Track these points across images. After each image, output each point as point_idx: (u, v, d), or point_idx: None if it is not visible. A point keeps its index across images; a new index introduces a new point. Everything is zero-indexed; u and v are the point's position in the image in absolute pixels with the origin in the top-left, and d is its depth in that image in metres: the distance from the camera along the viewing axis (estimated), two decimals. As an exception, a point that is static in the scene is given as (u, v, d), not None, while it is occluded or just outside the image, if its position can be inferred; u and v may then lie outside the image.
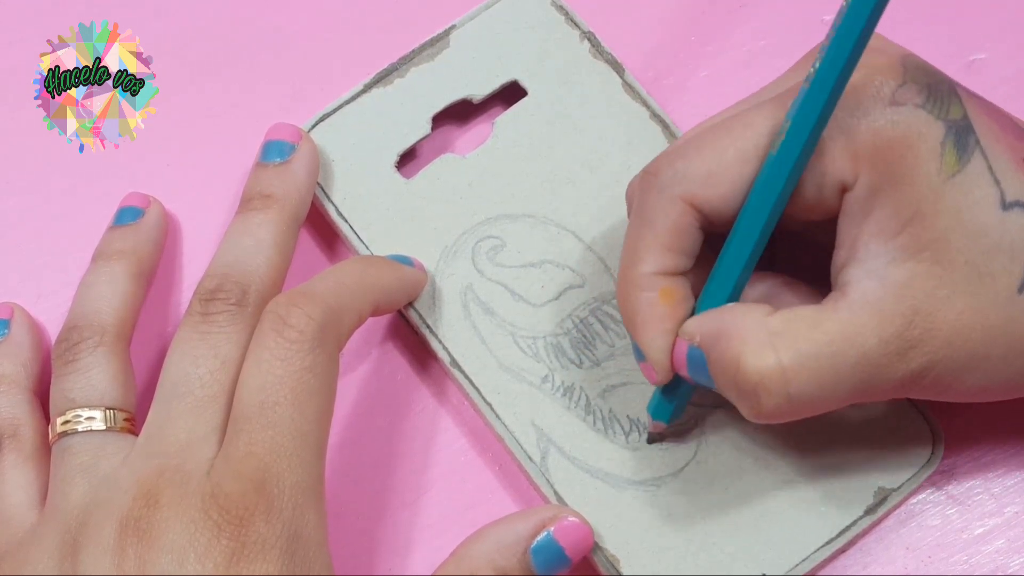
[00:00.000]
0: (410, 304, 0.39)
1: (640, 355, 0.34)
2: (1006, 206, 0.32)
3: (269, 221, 0.38)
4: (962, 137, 0.32)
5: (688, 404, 0.37)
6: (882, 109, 0.32)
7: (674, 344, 0.34)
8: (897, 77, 0.32)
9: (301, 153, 0.40)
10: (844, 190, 0.33)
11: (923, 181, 0.32)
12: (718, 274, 0.34)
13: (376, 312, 0.37)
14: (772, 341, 0.32)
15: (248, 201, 0.39)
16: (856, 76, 0.32)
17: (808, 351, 0.31)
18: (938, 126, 0.32)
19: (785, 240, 0.35)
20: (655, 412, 0.36)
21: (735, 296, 0.34)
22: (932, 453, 0.36)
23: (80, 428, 0.35)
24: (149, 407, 0.35)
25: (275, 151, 0.40)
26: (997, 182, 0.32)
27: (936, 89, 0.33)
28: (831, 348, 0.31)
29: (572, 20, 0.42)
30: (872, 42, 0.31)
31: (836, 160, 0.32)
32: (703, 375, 0.33)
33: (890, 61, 0.33)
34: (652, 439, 0.37)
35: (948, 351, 0.32)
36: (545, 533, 0.35)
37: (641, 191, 0.34)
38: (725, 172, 0.33)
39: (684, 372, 0.34)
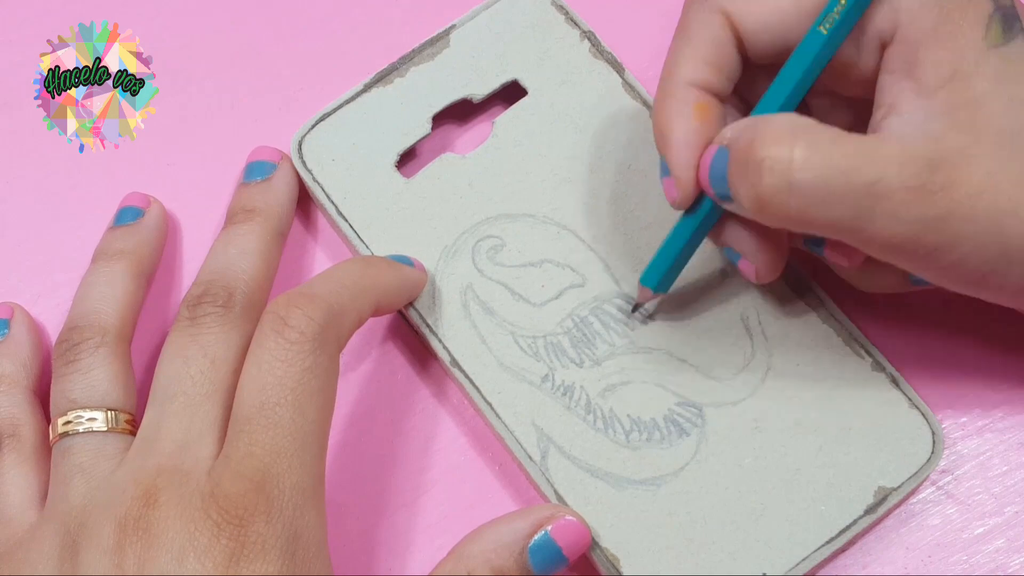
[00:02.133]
0: (410, 304, 0.39)
1: (665, 170, 0.35)
2: None
3: (251, 231, 0.39)
4: (1009, 18, 0.32)
5: (688, 407, 0.37)
6: None
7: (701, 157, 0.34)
8: None
9: (281, 172, 0.40)
10: (883, 46, 0.33)
11: (968, 43, 0.32)
12: (768, 97, 0.34)
13: (376, 312, 0.37)
14: (793, 132, 0.32)
15: (232, 216, 0.39)
16: None
17: (825, 150, 0.31)
18: (987, 2, 0.32)
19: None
20: (646, 276, 0.36)
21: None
22: (932, 452, 0.36)
23: (81, 429, 0.35)
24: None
25: (257, 171, 0.40)
26: None
27: None
28: (848, 160, 0.31)
29: (572, 19, 0.42)
30: None
31: (877, 14, 0.33)
32: (720, 177, 0.33)
33: None
34: (635, 307, 0.38)
35: (968, 207, 0.31)
36: (542, 532, 0.35)
37: (686, 5, 0.35)
38: None
39: (706, 180, 0.34)
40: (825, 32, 0.33)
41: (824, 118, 0.33)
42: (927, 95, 0.32)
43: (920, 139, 0.31)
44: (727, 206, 0.34)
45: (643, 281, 0.37)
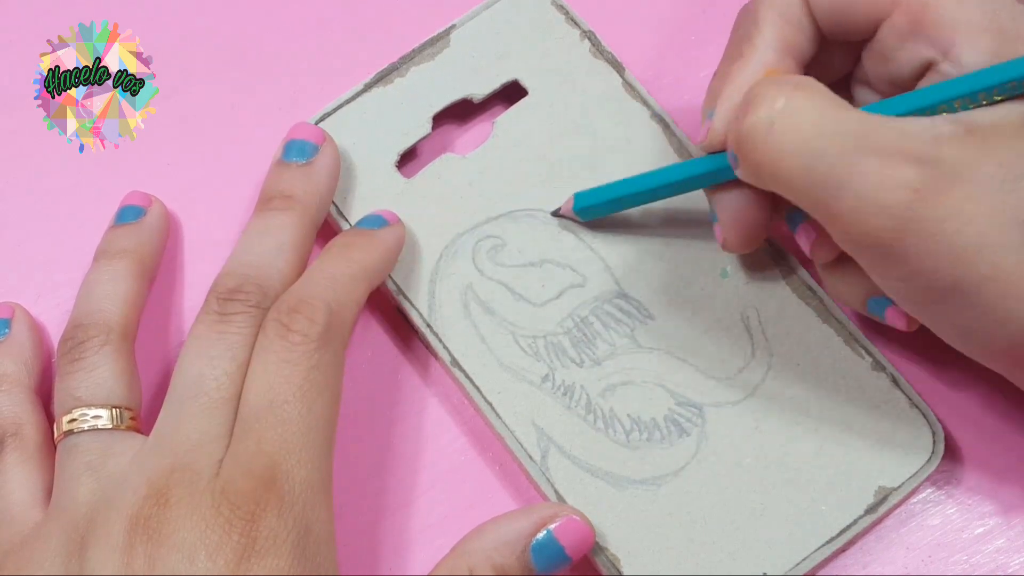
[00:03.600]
0: (411, 304, 0.39)
1: (711, 115, 0.35)
2: None
3: (291, 224, 0.38)
4: None
5: (689, 407, 0.37)
6: None
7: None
8: None
9: (324, 155, 0.39)
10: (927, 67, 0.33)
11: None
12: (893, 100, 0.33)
13: (370, 290, 0.37)
14: (799, 83, 0.32)
15: (269, 200, 0.38)
16: None
17: (820, 106, 0.31)
18: None
19: None
20: (580, 195, 0.38)
21: None
22: (932, 452, 0.36)
23: (86, 426, 0.35)
24: (152, 404, 0.35)
25: (297, 151, 0.39)
26: None
27: None
28: (838, 124, 0.31)
29: (572, 19, 0.42)
30: None
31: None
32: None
33: None
34: (554, 213, 0.39)
35: (934, 220, 0.30)
36: (545, 531, 0.35)
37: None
38: None
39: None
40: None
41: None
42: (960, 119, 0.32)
43: (923, 134, 0.31)
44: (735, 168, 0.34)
45: (576, 200, 0.38)
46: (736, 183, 0.35)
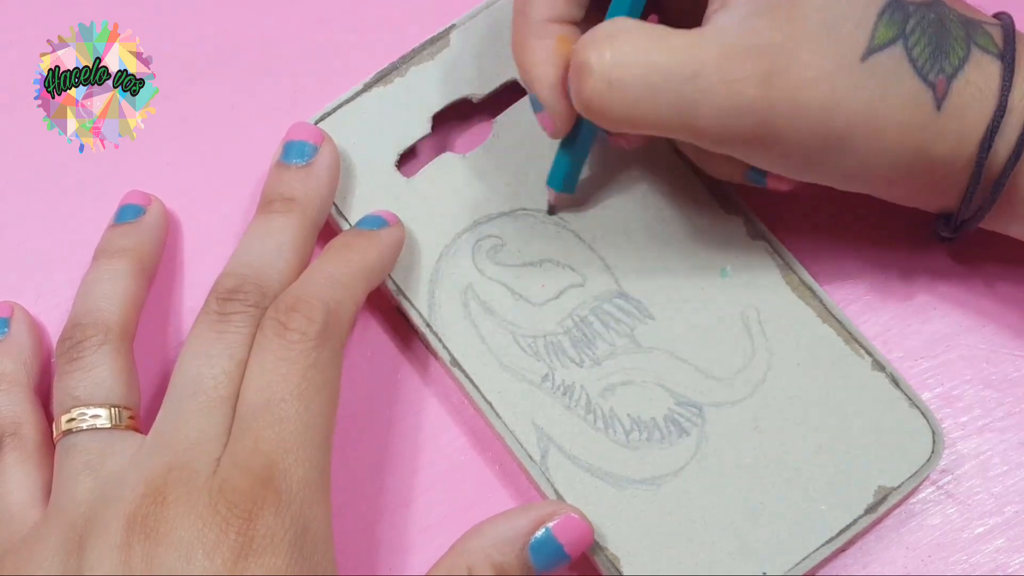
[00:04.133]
0: (411, 304, 0.39)
1: (537, 106, 0.36)
2: None
3: (291, 225, 0.38)
4: None
5: (689, 407, 0.37)
6: None
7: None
8: None
9: (324, 156, 0.39)
10: None
11: None
12: (612, 7, 0.35)
13: (369, 290, 0.37)
14: (613, 35, 0.33)
15: (269, 203, 0.38)
16: None
17: (643, 48, 0.33)
18: None
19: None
20: (550, 179, 0.38)
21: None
22: (932, 452, 0.36)
23: (85, 426, 0.35)
24: (151, 404, 0.35)
25: (297, 152, 0.39)
26: None
27: None
28: (666, 56, 0.32)
29: (572, 19, 0.42)
30: None
31: None
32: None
33: None
34: (551, 210, 0.39)
35: (788, 100, 0.33)
36: (544, 529, 0.35)
37: None
38: None
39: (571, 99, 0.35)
40: None
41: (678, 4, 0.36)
42: None
43: (742, 33, 0.33)
44: (611, 135, 0.36)
45: (550, 183, 0.39)
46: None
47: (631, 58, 0.33)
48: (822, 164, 0.34)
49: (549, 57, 0.36)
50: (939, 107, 0.33)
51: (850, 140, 0.33)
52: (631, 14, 0.35)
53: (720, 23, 0.33)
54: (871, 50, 0.33)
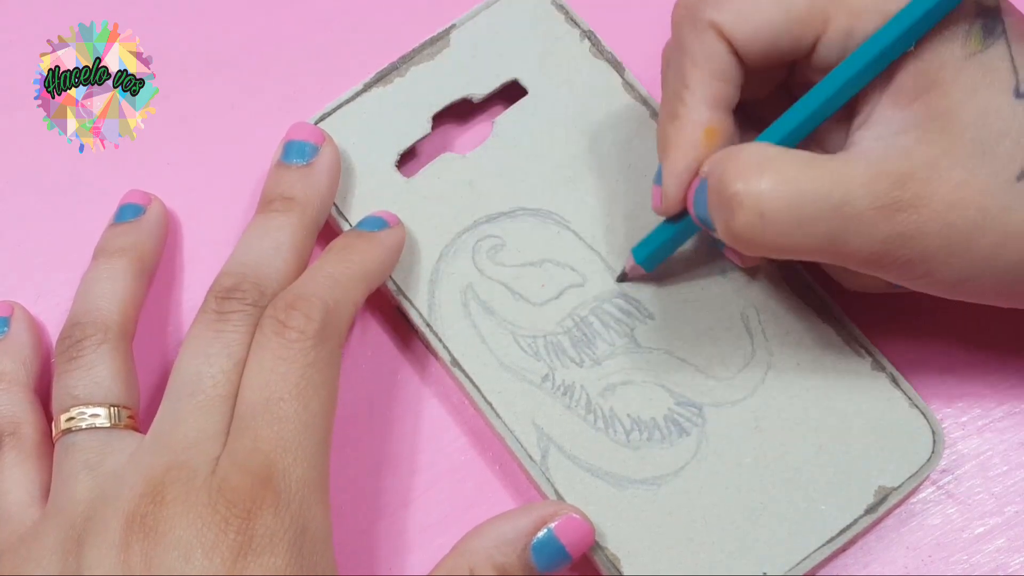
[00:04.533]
0: (411, 304, 0.39)
1: (658, 179, 0.35)
2: (1019, 95, 0.32)
3: (289, 225, 0.38)
4: (990, 22, 0.32)
5: (689, 407, 0.37)
6: None
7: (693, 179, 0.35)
8: None
9: (324, 156, 0.39)
10: None
11: (946, 53, 0.32)
12: (778, 121, 0.34)
13: (369, 291, 0.37)
14: (761, 164, 0.32)
15: (269, 203, 0.38)
16: None
17: (792, 177, 0.32)
18: (970, 6, 0.32)
19: None
20: (637, 251, 0.38)
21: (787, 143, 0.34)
22: (932, 452, 0.36)
23: (84, 425, 0.35)
24: (150, 403, 0.35)
25: (297, 152, 0.39)
26: (1015, 71, 0.32)
27: None
28: (814, 183, 0.32)
29: (572, 19, 0.42)
30: None
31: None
32: (702, 204, 0.34)
33: None
34: (621, 278, 0.39)
35: (937, 224, 0.31)
36: (546, 530, 0.35)
37: (675, 26, 0.35)
38: (759, 9, 0.34)
39: (691, 209, 0.34)
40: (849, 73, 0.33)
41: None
42: (903, 106, 0.32)
43: (890, 154, 0.32)
44: (710, 232, 0.34)
45: (635, 255, 0.38)
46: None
47: (781, 190, 0.32)
48: (966, 283, 0.33)
49: (694, 148, 0.35)
50: None
51: (999, 260, 0.32)
52: (785, 143, 0.34)
53: (867, 145, 0.33)
54: None
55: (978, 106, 0.32)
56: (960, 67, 0.32)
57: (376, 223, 0.39)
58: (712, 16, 0.34)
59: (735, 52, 0.34)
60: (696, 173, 0.34)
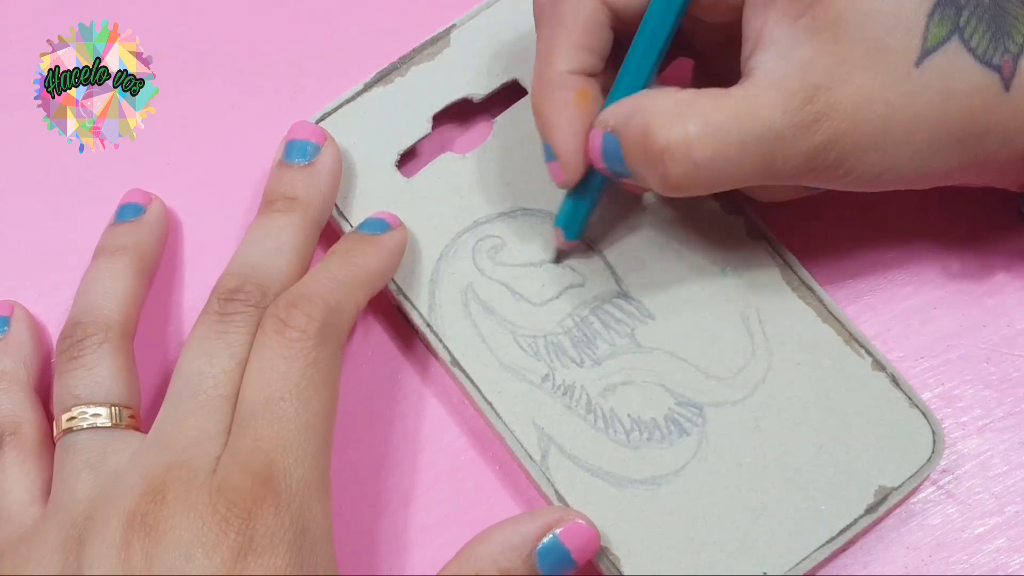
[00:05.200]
0: (411, 304, 0.39)
1: (551, 155, 0.36)
2: None
3: (291, 224, 0.38)
4: None
5: (689, 407, 0.37)
6: None
7: (587, 141, 0.35)
8: None
9: (326, 156, 0.39)
10: None
11: None
12: (628, 68, 0.36)
13: (371, 294, 0.37)
14: (679, 111, 0.33)
15: (271, 202, 0.39)
16: None
17: (714, 120, 0.33)
18: None
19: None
20: (560, 221, 0.38)
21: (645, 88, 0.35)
22: (932, 452, 0.36)
23: (85, 424, 0.35)
24: (151, 403, 0.35)
25: (299, 151, 0.39)
26: None
27: None
28: (736, 120, 0.33)
29: (572, 19, 0.42)
30: None
31: None
32: (617, 160, 0.35)
33: None
34: (559, 257, 0.39)
35: (850, 124, 0.33)
36: (551, 535, 0.35)
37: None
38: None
39: (599, 162, 0.35)
40: None
41: (693, 40, 0.37)
42: (791, 21, 0.33)
43: (792, 71, 0.33)
44: (625, 180, 0.35)
45: (559, 223, 0.38)
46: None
47: (708, 134, 0.33)
48: (886, 174, 0.34)
49: (568, 110, 0.36)
50: (1008, 87, 0.33)
51: (912, 144, 0.33)
52: (649, 80, 0.35)
53: (765, 67, 0.33)
54: (925, 52, 0.33)
55: (864, 7, 0.33)
56: None
57: (378, 225, 0.39)
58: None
59: (613, 18, 0.36)
60: (583, 133, 0.36)
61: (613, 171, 0.35)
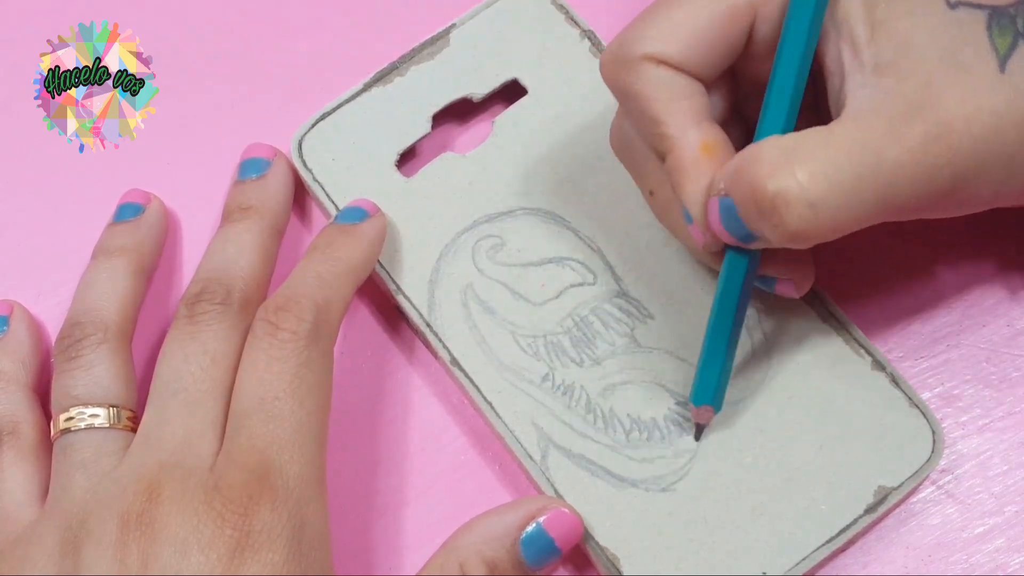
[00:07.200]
0: (411, 304, 0.39)
1: (689, 218, 0.34)
2: (951, 5, 0.33)
3: (248, 229, 0.38)
4: None
5: (688, 407, 0.37)
6: None
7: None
8: None
9: (276, 168, 0.40)
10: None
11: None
12: (767, 111, 0.34)
13: (357, 286, 0.38)
14: (786, 156, 0.31)
15: (228, 215, 0.39)
16: None
17: (824, 158, 0.31)
18: None
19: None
20: (698, 395, 0.35)
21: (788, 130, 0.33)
22: (932, 452, 0.36)
23: (83, 425, 0.35)
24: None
25: (251, 168, 0.40)
26: None
27: None
28: (845, 154, 0.31)
29: (572, 18, 0.42)
30: None
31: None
32: (735, 222, 0.33)
33: None
34: (699, 433, 0.37)
35: (966, 138, 0.31)
36: (534, 524, 0.35)
37: (611, 79, 0.35)
38: (681, 25, 0.34)
39: (722, 232, 0.33)
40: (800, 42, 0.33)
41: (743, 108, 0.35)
42: (863, 48, 0.32)
43: (886, 97, 0.32)
44: (752, 245, 0.33)
45: (697, 401, 0.36)
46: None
47: (819, 172, 0.31)
48: (1003, 190, 0.33)
49: (699, 168, 0.34)
50: None
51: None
52: (787, 128, 0.33)
53: (858, 96, 0.32)
54: (1004, 59, 0.32)
55: (923, 27, 0.32)
56: None
57: (356, 214, 0.39)
58: (640, 51, 0.34)
59: (680, 70, 0.34)
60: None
61: (737, 236, 0.33)
